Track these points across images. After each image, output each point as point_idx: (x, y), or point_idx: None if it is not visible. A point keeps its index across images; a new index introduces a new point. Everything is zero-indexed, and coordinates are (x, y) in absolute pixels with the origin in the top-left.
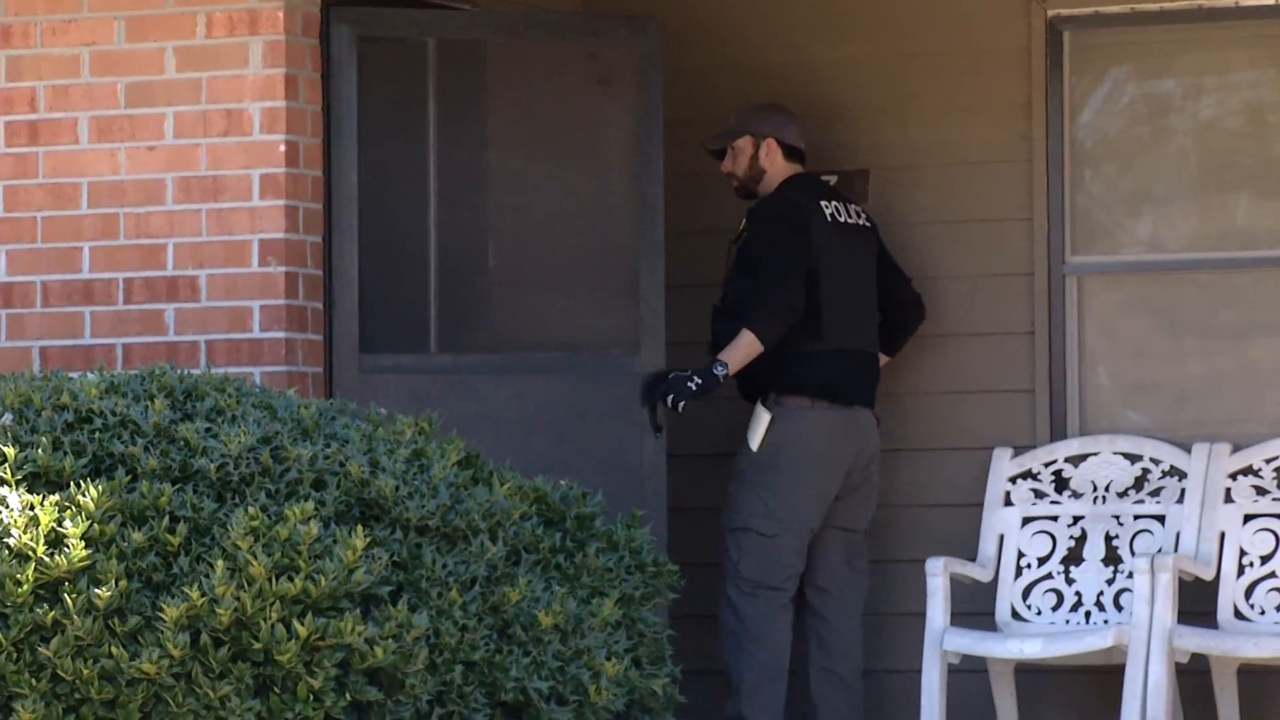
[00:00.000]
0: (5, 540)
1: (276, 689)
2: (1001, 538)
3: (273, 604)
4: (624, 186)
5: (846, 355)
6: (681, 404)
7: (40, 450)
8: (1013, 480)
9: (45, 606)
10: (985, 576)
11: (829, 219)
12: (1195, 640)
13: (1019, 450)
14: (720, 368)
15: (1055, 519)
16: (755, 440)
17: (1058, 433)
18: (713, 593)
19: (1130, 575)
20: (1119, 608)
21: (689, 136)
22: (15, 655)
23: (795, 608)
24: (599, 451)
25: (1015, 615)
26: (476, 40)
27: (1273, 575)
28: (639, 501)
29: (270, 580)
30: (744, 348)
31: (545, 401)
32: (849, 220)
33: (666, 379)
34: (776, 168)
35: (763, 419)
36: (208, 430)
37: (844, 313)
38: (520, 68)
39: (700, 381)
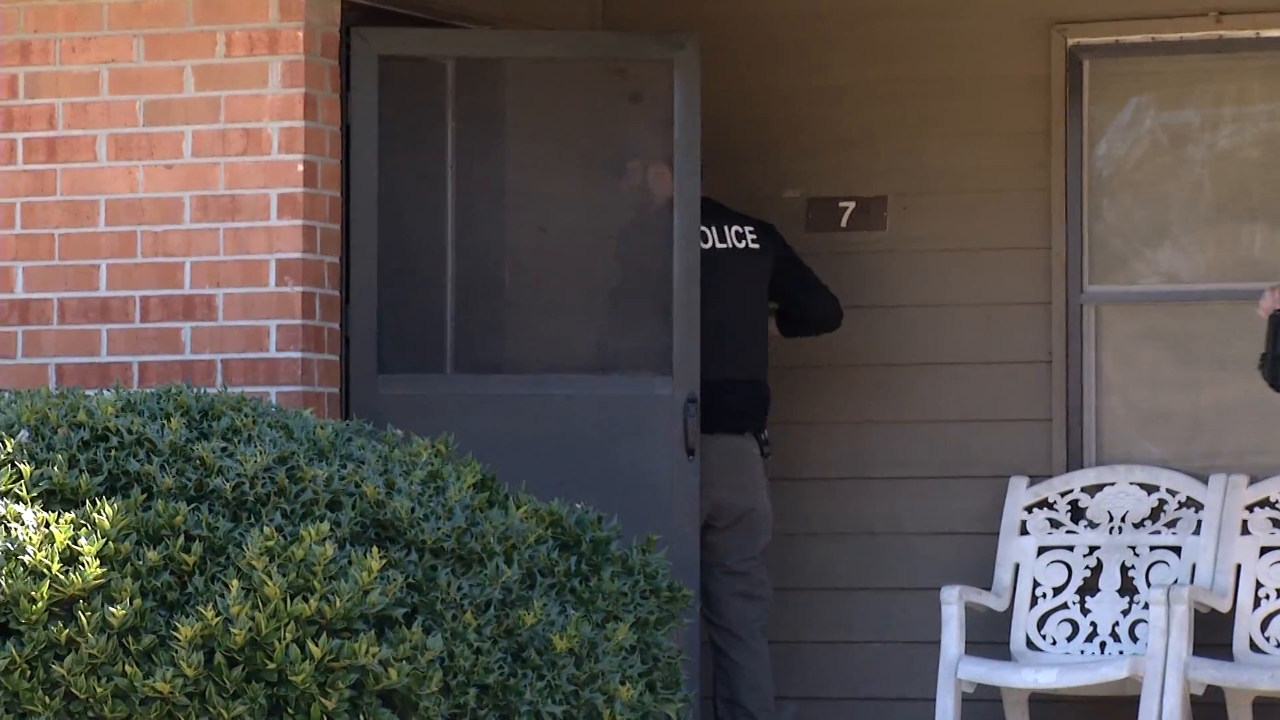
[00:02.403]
0: (20, 557)
1: (290, 709)
2: (1017, 567)
3: (287, 624)
4: (656, 204)
5: (713, 385)
6: None
7: (56, 468)
8: (1028, 509)
9: (60, 624)
10: (1000, 606)
11: (703, 246)
12: (1210, 672)
13: (1035, 479)
14: None
15: (1071, 549)
16: None
17: (1074, 462)
18: None
19: (1146, 606)
20: (1134, 638)
21: (705, 159)
22: (29, 673)
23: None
24: (625, 474)
25: (1030, 645)
26: (499, 59)
27: None
28: (667, 526)
29: (285, 600)
30: None
31: (569, 423)
32: (724, 245)
33: None
34: None
35: None
36: (224, 449)
37: (712, 342)
38: (545, 86)
39: None
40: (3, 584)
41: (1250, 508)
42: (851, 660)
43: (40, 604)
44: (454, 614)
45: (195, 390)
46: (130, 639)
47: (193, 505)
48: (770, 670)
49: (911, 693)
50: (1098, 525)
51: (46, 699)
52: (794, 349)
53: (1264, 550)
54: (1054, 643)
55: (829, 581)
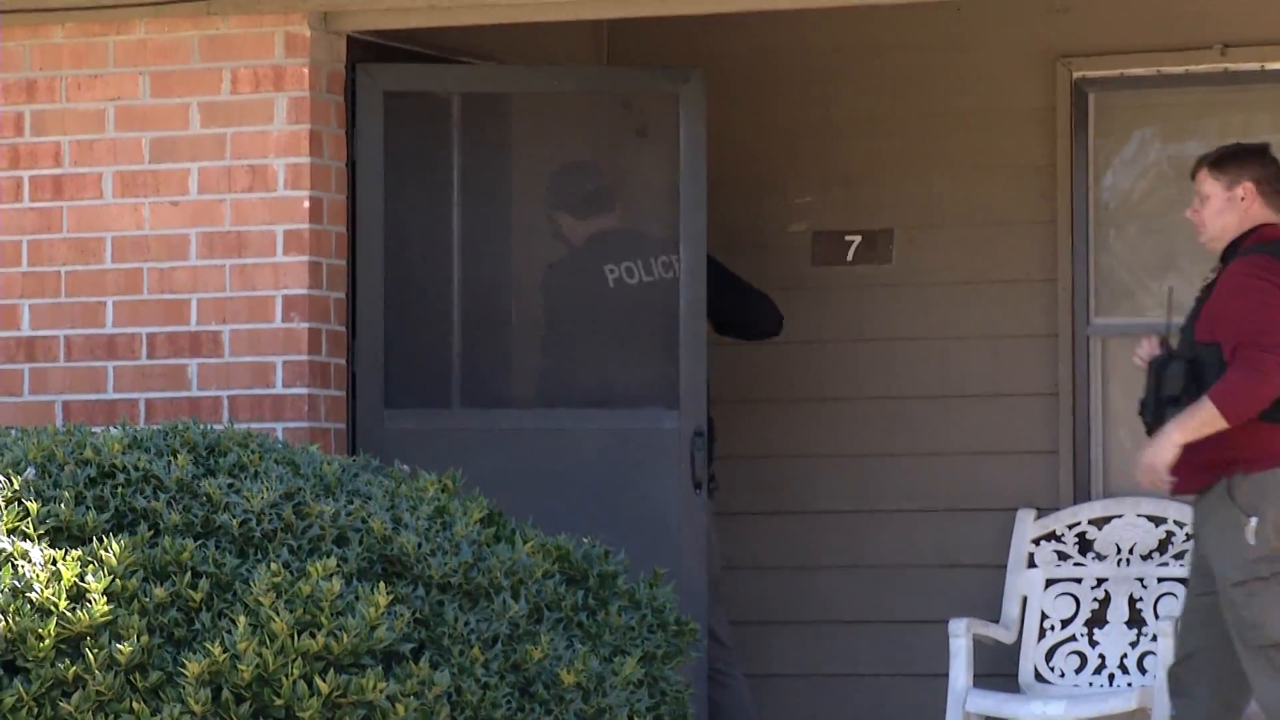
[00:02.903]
0: (27, 595)
1: None
2: (1025, 599)
3: (294, 660)
4: (662, 239)
5: None
6: None
7: (63, 505)
8: (1036, 542)
9: (67, 661)
10: (1008, 638)
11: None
12: None
13: (1042, 512)
14: None
15: (1079, 581)
16: None
17: (1081, 494)
18: (747, 651)
19: (1154, 638)
20: (1143, 670)
21: (711, 193)
22: (37, 710)
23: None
24: (633, 508)
25: (1038, 677)
26: (504, 94)
27: None
28: (675, 560)
29: (292, 637)
30: None
31: (576, 457)
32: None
33: None
34: None
35: None
36: (230, 486)
37: None
38: (551, 120)
39: None
40: (10, 621)
41: None
42: (860, 693)
43: (47, 641)
44: (461, 649)
45: (202, 427)
46: (137, 676)
47: (199, 541)
48: (747, 704)
49: None
50: (1105, 557)
51: None
52: (800, 382)
53: None
54: (1062, 675)
55: (837, 614)
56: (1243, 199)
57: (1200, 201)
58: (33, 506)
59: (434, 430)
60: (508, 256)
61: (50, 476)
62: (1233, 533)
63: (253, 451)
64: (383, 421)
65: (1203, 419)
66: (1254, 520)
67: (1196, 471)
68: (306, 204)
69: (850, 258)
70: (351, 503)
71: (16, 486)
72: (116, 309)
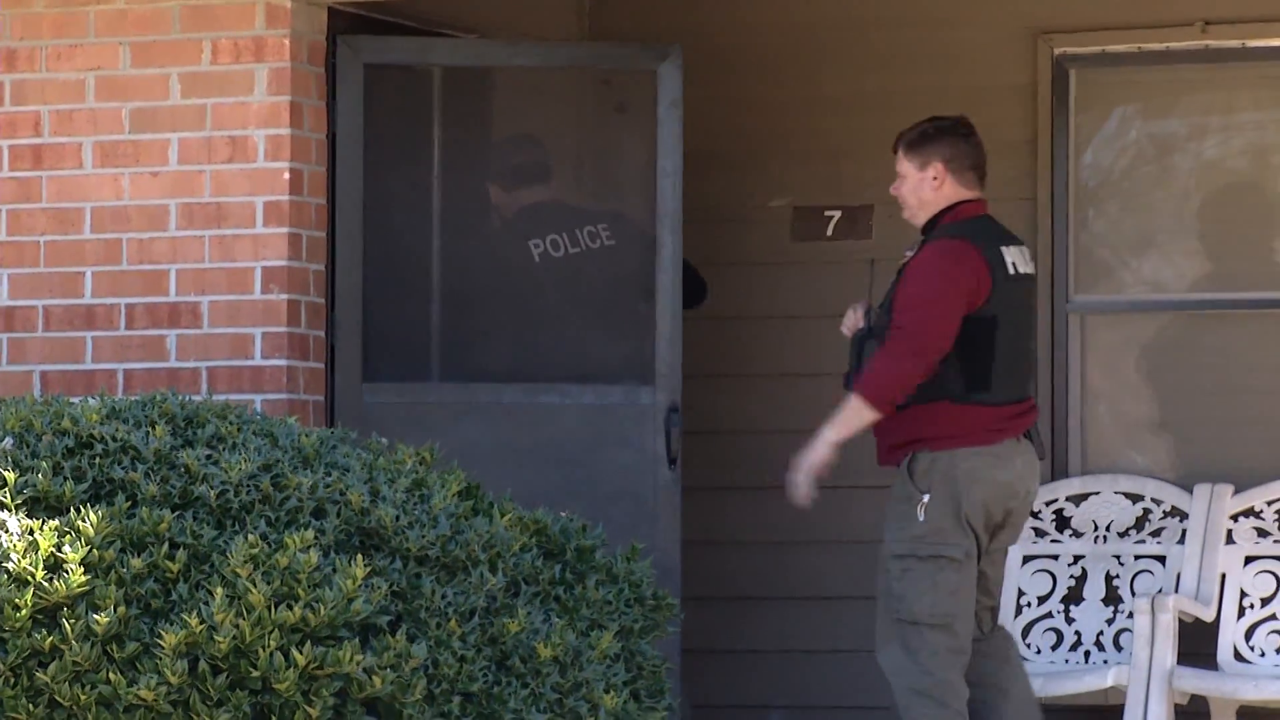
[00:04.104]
0: (4, 565)
1: (274, 717)
2: None
3: (271, 632)
4: (640, 215)
5: None
6: None
7: (40, 475)
8: None
9: (43, 632)
10: None
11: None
12: (1195, 681)
13: None
14: None
15: (1056, 558)
16: None
17: (1059, 472)
18: (724, 627)
19: (1130, 615)
20: (1119, 648)
21: (694, 169)
22: (13, 680)
23: None
24: (609, 483)
25: None
26: (485, 68)
27: (1273, 617)
28: (651, 534)
29: (269, 608)
30: None
31: (553, 432)
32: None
33: None
34: None
35: None
36: (208, 457)
37: None
38: (531, 95)
39: None
40: None
41: (1235, 517)
42: (840, 669)
43: (24, 611)
44: (438, 622)
45: (180, 398)
46: (114, 647)
47: (177, 513)
48: None
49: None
50: (1083, 534)
51: (30, 707)
52: (783, 357)
53: (1248, 559)
54: (1038, 652)
55: (818, 590)
56: (934, 179)
57: (899, 180)
58: (10, 476)
59: (412, 403)
60: (487, 228)
61: (28, 446)
62: (905, 507)
63: (231, 423)
64: (361, 394)
65: (850, 412)
66: (926, 497)
67: (891, 449)
68: (286, 176)
69: (830, 233)
70: (329, 475)
71: None
72: (95, 279)
